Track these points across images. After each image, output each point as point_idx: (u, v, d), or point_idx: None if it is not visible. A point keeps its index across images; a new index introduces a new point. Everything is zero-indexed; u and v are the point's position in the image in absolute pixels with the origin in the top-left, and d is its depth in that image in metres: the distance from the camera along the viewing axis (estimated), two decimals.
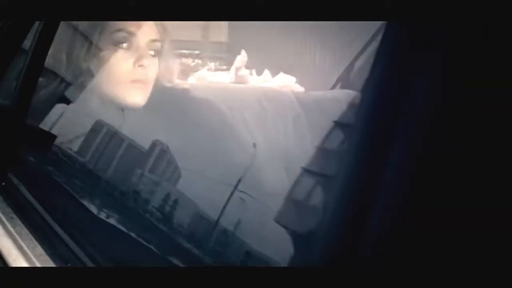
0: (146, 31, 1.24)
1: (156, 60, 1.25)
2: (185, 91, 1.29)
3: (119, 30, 1.22)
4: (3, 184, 1.29)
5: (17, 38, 1.47)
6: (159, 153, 1.11)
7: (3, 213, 1.17)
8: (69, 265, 0.97)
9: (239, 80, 1.45)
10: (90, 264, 0.95)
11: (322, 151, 0.87)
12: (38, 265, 0.97)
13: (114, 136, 1.21)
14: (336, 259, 0.55)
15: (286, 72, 1.31)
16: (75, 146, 1.26)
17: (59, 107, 1.32)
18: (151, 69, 1.23)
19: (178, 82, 1.33)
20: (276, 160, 1.01)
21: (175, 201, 1.00)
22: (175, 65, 1.29)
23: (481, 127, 0.49)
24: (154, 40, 1.24)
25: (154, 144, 1.17)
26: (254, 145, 1.01)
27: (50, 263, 0.97)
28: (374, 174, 0.53)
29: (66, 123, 1.31)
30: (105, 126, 1.23)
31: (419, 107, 0.52)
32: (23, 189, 1.24)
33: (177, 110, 1.23)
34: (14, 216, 1.15)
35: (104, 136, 1.22)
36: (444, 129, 0.50)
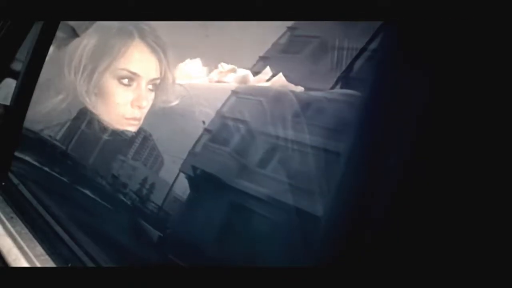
0: (149, 72, 1.24)
1: (153, 93, 1.26)
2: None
3: (123, 69, 1.23)
4: (3, 184, 1.29)
5: (17, 38, 1.47)
6: (142, 140, 1.13)
7: (3, 213, 1.17)
8: (69, 265, 0.97)
9: (239, 80, 1.45)
10: (90, 264, 0.95)
11: (219, 115, 1.03)
12: (38, 265, 0.97)
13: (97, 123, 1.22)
14: (337, 256, 0.55)
15: (286, 72, 1.31)
16: (58, 134, 1.27)
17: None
18: (148, 106, 1.25)
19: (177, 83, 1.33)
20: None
21: (152, 185, 1.05)
22: (174, 92, 1.28)
23: (480, 125, 0.49)
24: (154, 79, 1.25)
25: (137, 132, 1.19)
26: (204, 122, 1.03)
27: (50, 263, 0.97)
28: (373, 173, 0.53)
29: (50, 111, 1.32)
30: (89, 114, 1.24)
31: (418, 106, 0.52)
32: (23, 189, 1.24)
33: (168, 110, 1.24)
34: (14, 216, 1.15)
35: (87, 123, 1.23)
36: (443, 129, 0.50)
